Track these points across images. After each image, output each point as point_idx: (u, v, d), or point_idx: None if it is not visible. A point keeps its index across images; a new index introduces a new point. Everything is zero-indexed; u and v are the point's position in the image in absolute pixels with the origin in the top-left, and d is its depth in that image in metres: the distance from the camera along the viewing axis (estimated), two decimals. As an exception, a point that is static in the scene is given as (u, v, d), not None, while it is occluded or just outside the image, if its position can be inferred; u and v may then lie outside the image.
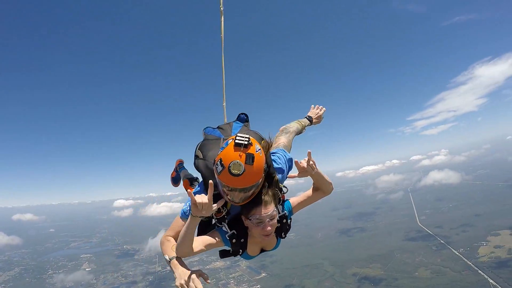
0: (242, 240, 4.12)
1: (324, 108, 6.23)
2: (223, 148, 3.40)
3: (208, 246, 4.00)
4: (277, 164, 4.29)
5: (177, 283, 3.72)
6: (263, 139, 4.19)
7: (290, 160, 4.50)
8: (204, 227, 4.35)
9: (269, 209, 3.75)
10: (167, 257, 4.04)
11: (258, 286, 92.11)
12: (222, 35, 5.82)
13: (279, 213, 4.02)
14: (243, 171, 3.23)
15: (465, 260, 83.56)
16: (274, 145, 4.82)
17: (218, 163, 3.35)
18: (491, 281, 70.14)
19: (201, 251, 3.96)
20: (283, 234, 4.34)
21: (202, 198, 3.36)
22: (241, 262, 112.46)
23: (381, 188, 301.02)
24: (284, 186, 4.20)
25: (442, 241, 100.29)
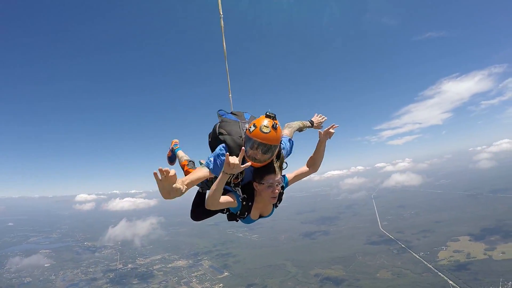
0: (250, 203, 5.12)
1: (325, 118, 6.89)
2: (255, 118, 4.67)
3: (227, 203, 4.84)
4: (283, 143, 5.32)
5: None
6: None
7: (292, 144, 5.64)
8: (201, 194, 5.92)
9: (278, 176, 4.88)
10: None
11: (221, 285, 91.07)
12: (224, 40, 6.34)
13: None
14: (269, 131, 4.44)
15: (425, 263, 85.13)
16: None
17: (252, 125, 4.55)
18: (450, 282, 71.55)
19: (223, 205, 4.74)
20: (277, 203, 5.38)
21: (234, 159, 4.14)
22: (204, 262, 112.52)
23: (344, 189, 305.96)
24: (285, 162, 5.25)
25: (403, 245, 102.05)
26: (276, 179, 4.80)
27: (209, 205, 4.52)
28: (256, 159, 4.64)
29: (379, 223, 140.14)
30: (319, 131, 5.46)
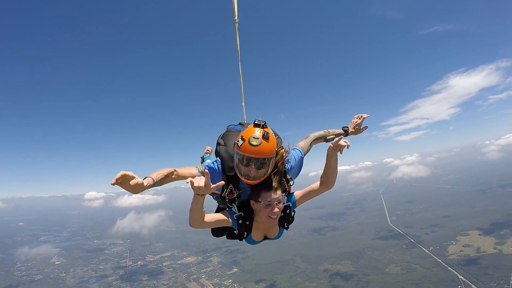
0: (248, 222, 4.60)
1: (364, 115, 5.63)
2: (243, 130, 4.14)
3: (218, 222, 4.44)
4: (289, 155, 4.66)
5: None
6: (277, 135, 4.77)
7: (301, 158, 4.96)
8: (219, 210, 5.03)
9: (278, 194, 4.28)
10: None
11: (230, 280, 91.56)
12: (238, 44, 6.09)
13: (284, 202, 4.51)
14: (260, 143, 3.91)
15: (435, 257, 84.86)
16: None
17: (240, 139, 4.03)
18: (460, 277, 71.21)
19: (212, 224, 4.38)
20: (285, 224, 4.89)
21: (198, 182, 3.61)
22: (213, 258, 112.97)
23: (352, 182, 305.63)
24: (290, 179, 4.69)
25: (412, 240, 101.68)
26: (274, 197, 4.23)
27: (190, 224, 4.23)
28: (250, 176, 4.15)
29: (388, 218, 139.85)
30: (330, 144, 4.52)
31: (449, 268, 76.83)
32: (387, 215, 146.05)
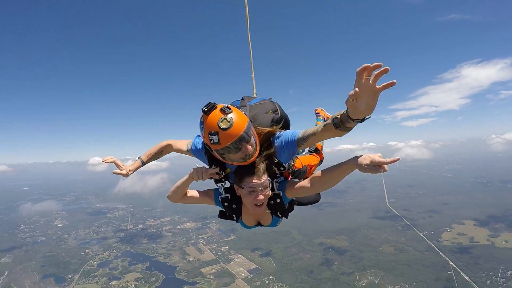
0: (234, 206, 4.28)
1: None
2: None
3: (197, 200, 4.39)
4: (279, 136, 3.96)
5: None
6: (275, 110, 4.56)
7: (291, 142, 3.87)
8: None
9: (262, 179, 3.78)
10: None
11: (227, 247, 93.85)
12: (247, 10, 6.12)
13: (273, 188, 4.06)
14: (221, 129, 3.30)
15: (429, 242, 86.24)
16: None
17: (202, 133, 3.55)
18: (451, 263, 72.54)
19: (189, 201, 4.36)
20: (278, 213, 4.33)
21: (200, 175, 3.88)
22: (212, 225, 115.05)
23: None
24: (281, 165, 3.96)
25: (408, 223, 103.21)
26: (257, 182, 3.73)
27: (169, 197, 4.33)
28: (234, 162, 3.74)
29: (387, 199, 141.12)
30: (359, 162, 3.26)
31: (441, 254, 78.12)
32: (386, 196, 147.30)
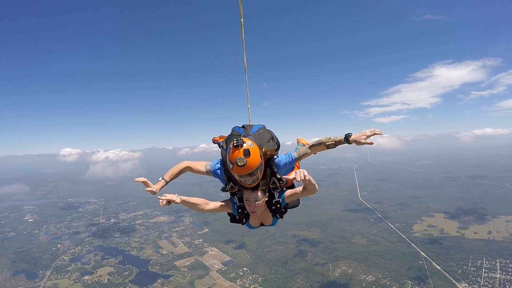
0: (246, 212, 5.33)
1: (378, 132, 5.03)
2: (228, 151, 4.75)
3: (220, 209, 5.40)
4: (279, 159, 5.29)
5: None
6: (273, 138, 5.54)
7: (291, 161, 5.36)
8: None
9: (254, 193, 4.93)
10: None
11: (200, 240, 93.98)
12: (243, 45, 6.45)
13: (274, 197, 5.27)
14: (245, 163, 4.49)
15: (400, 233, 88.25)
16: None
17: (229, 162, 4.67)
18: (422, 253, 74.24)
19: (214, 211, 5.39)
20: (278, 215, 5.52)
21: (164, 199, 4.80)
22: (185, 218, 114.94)
23: (327, 156, 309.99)
24: (281, 180, 5.20)
25: (379, 215, 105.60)
26: (249, 195, 4.95)
27: (195, 210, 5.33)
28: (248, 183, 4.81)
29: (359, 193, 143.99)
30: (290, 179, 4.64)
31: (413, 244, 79.97)
32: (358, 190, 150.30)
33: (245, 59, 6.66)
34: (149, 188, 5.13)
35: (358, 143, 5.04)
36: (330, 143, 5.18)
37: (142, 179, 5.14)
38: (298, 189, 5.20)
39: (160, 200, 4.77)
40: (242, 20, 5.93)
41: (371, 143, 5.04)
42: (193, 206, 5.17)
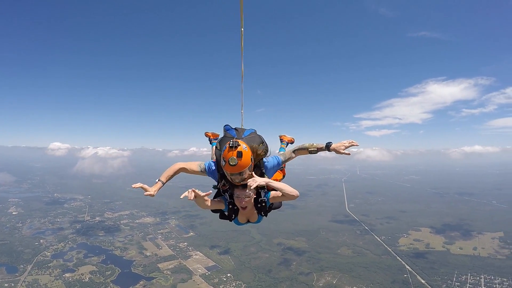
0: (236, 208, 5.68)
1: (355, 143, 5.78)
2: (223, 150, 5.15)
3: (215, 205, 5.66)
4: (267, 162, 5.79)
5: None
6: (262, 142, 5.79)
7: (278, 163, 5.97)
8: (217, 194, 5.99)
9: (244, 191, 5.27)
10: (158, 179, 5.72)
11: (185, 243, 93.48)
12: (242, 53, 6.53)
13: (260, 196, 5.61)
14: (236, 163, 4.90)
15: (386, 246, 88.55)
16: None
17: (222, 160, 5.07)
18: (407, 267, 74.67)
19: (210, 207, 5.55)
20: (263, 213, 5.88)
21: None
22: (171, 220, 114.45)
23: (316, 167, 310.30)
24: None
25: (366, 228, 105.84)
26: (239, 192, 5.33)
27: (201, 206, 5.44)
28: (236, 181, 5.20)
29: (346, 204, 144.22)
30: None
31: (398, 258, 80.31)
32: (346, 201, 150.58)
33: (242, 67, 6.75)
34: (148, 193, 5.27)
35: (337, 152, 5.73)
36: (312, 149, 5.86)
37: (139, 184, 5.31)
38: (278, 193, 5.55)
39: (188, 194, 4.97)
40: (242, 29, 5.90)
41: (349, 154, 5.74)
42: (203, 201, 5.30)
